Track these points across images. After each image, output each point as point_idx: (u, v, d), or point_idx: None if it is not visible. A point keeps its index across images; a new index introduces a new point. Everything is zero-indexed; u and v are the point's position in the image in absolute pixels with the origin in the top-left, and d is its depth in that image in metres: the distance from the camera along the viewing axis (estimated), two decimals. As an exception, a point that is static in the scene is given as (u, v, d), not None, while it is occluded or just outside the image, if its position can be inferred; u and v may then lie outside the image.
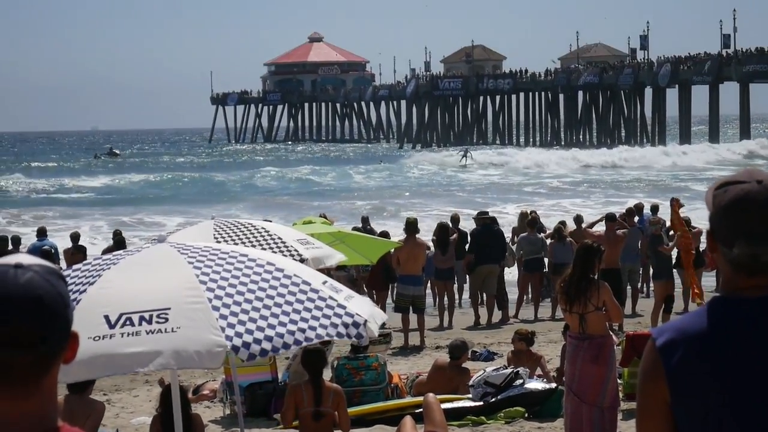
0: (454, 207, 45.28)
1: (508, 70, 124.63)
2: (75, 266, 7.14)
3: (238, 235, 11.48)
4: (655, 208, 23.78)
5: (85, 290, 6.56)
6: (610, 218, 20.58)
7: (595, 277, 10.37)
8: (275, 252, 10.80)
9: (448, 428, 11.21)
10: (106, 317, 6.35)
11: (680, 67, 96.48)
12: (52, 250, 21.11)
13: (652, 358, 2.96)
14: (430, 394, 11.72)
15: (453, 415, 12.46)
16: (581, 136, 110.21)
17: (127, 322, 6.33)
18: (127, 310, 6.40)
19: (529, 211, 24.17)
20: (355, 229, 21.43)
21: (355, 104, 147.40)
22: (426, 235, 22.18)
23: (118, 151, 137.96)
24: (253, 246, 10.98)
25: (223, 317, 6.40)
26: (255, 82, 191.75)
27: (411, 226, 19.51)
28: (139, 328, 6.31)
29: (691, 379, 2.91)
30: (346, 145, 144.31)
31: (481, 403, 12.95)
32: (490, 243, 21.10)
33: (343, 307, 6.80)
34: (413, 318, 19.16)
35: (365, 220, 24.35)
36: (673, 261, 20.00)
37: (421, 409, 11.60)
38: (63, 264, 20.53)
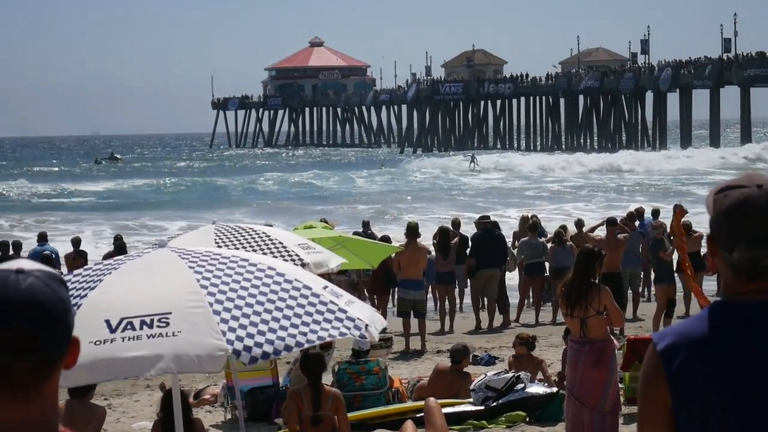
0: (455, 211, 45.33)
1: (509, 74, 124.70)
2: (76, 271, 7.14)
3: (239, 240, 11.48)
4: (656, 213, 23.77)
5: (86, 295, 6.57)
6: (611, 222, 20.57)
7: (596, 281, 10.37)
8: (276, 257, 10.81)
9: (449, 433, 11.22)
10: (107, 322, 6.35)
11: (681, 71, 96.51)
12: (53, 255, 21.12)
13: (653, 362, 2.96)
14: (431, 399, 11.72)
15: (454, 419, 12.46)
16: (582, 141, 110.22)
17: (128, 327, 6.33)
18: (128, 314, 6.41)
19: (529, 216, 24.17)
20: (355, 233, 21.43)
21: (356, 109, 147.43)
22: (427, 239, 22.17)
23: (119, 156, 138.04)
24: (254, 251, 10.99)
25: (224, 321, 6.40)
26: (256, 87, 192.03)
27: (412, 231, 19.51)
28: (140, 332, 6.31)
29: (692, 384, 2.91)
30: (346, 149, 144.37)
31: (482, 407, 12.94)
32: (491, 247, 21.10)
33: (344, 312, 6.81)
34: (414, 322, 19.15)
35: (366, 225, 24.36)
36: (675, 266, 19.99)
37: (422, 414, 11.61)
38: (64, 269, 20.54)
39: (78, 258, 20.99)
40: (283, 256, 11.09)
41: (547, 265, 21.79)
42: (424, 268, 19.77)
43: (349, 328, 6.72)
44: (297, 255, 11.37)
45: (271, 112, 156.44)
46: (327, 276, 11.95)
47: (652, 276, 21.40)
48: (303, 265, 10.67)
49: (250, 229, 12.03)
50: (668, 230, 19.78)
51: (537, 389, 13.22)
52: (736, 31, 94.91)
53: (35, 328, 2.26)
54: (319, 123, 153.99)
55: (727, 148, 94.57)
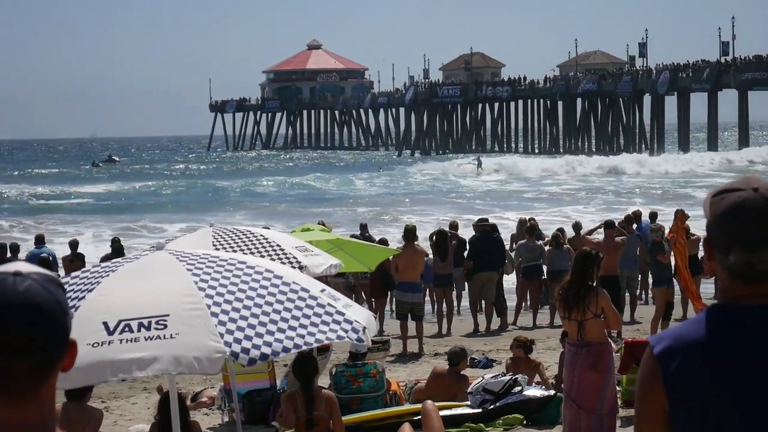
0: (454, 214, 45.34)
1: (506, 77, 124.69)
2: (74, 273, 7.15)
3: (237, 243, 11.48)
4: (653, 216, 23.79)
5: (83, 297, 6.57)
6: (608, 225, 20.58)
7: (594, 284, 10.38)
8: (274, 259, 10.81)
9: (446, 435, 11.22)
10: (105, 324, 6.36)
11: (679, 74, 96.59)
12: (50, 258, 21.10)
13: (650, 365, 2.97)
14: (429, 402, 11.73)
15: (451, 422, 12.46)
16: (580, 144, 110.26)
17: (126, 329, 6.34)
18: (125, 316, 6.41)
19: (527, 218, 24.18)
20: (353, 236, 21.43)
21: (354, 111, 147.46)
22: (425, 242, 22.17)
23: (117, 158, 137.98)
24: (252, 253, 10.99)
25: (222, 324, 6.41)
26: (254, 90, 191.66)
27: (410, 233, 19.53)
28: (137, 334, 6.32)
29: (688, 387, 2.91)
30: (344, 152, 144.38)
31: (480, 410, 12.95)
32: (488, 250, 21.11)
33: (342, 314, 6.82)
34: (412, 325, 19.15)
35: (364, 227, 24.36)
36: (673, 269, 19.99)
37: (420, 417, 11.61)
38: (62, 271, 20.53)
39: (75, 260, 20.98)
40: (280, 259, 11.10)
41: (544, 268, 21.80)
42: (422, 271, 19.78)
43: (346, 331, 6.73)
44: (294, 257, 11.37)
45: (269, 114, 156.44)
46: (324, 279, 11.95)
47: (650, 279, 21.40)
48: (300, 268, 10.67)
49: (247, 231, 12.03)
50: (667, 234, 19.80)
51: (534, 392, 13.23)
52: (734, 34, 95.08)
53: (33, 331, 2.26)
54: (317, 126, 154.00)
55: (730, 151, 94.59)
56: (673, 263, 19.45)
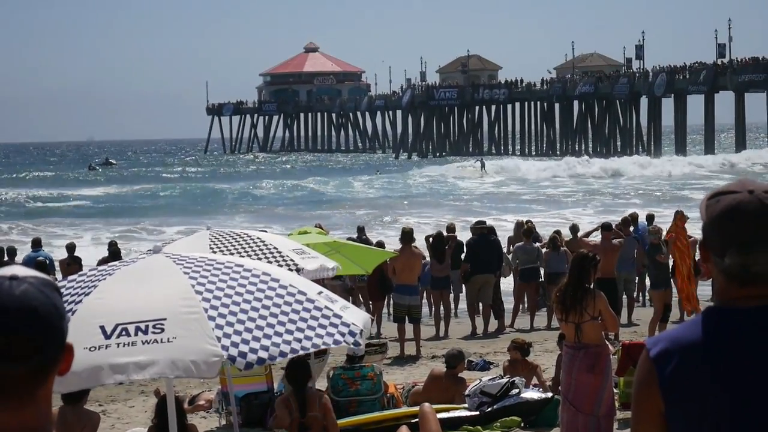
0: (452, 216, 45.35)
1: (503, 80, 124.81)
2: (71, 277, 7.14)
3: (234, 246, 11.48)
4: (650, 218, 23.81)
5: (80, 301, 6.57)
6: (605, 227, 20.59)
7: (591, 286, 10.38)
8: (271, 262, 10.81)
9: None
10: (102, 328, 6.35)
11: (676, 76, 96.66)
12: (47, 261, 21.08)
13: (647, 368, 2.97)
14: (426, 404, 11.73)
15: (449, 424, 12.46)
16: (577, 146, 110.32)
17: (123, 333, 6.33)
18: (122, 320, 6.41)
19: (524, 221, 24.18)
20: (349, 239, 21.43)
21: (351, 114, 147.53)
22: (420, 242, 22.17)
23: (114, 161, 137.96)
24: (249, 256, 10.99)
25: (219, 327, 6.41)
26: (251, 93, 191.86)
27: (407, 236, 19.53)
28: (134, 338, 6.31)
29: (685, 389, 2.92)
30: (341, 155, 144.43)
31: (477, 412, 12.94)
32: (486, 253, 21.11)
33: (339, 317, 6.82)
34: (409, 328, 19.16)
35: (361, 230, 24.35)
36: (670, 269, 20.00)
37: (417, 419, 11.62)
38: (59, 275, 20.52)
39: (72, 264, 20.97)
40: (278, 262, 11.10)
41: (541, 270, 21.80)
42: (419, 274, 19.79)
43: (343, 335, 6.72)
44: (292, 260, 11.37)
45: (266, 117, 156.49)
46: (321, 281, 11.95)
47: (647, 281, 21.40)
48: (298, 271, 10.68)
49: (244, 234, 12.03)
50: (664, 236, 19.82)
51: (532, 394, 13.23)
52: (730, 36, 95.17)
53: (29, 335, 2.26)
54: (314, 128, 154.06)
55: (730, 154, 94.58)
56: (670, 264, 19.45)
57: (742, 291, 2.93)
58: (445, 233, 22.00)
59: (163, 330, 6.33)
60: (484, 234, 21.47)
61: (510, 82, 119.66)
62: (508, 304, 22.29)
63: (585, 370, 10.19)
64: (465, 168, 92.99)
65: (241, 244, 11.53)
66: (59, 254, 23.32)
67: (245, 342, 6.37)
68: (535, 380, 14.18)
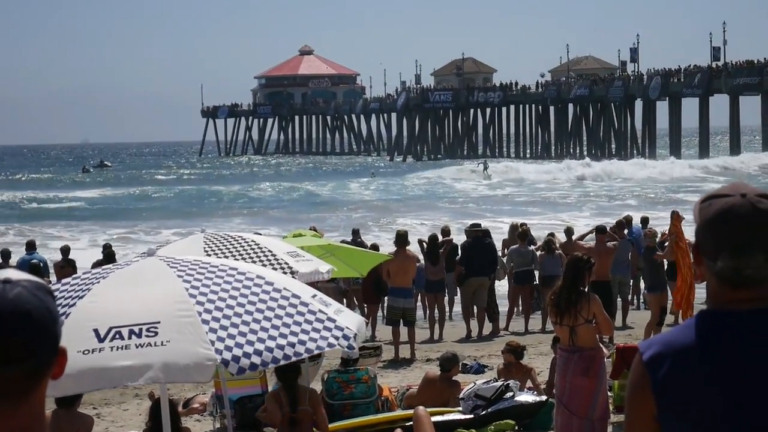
0: (448, 218, 45.37)
1: (498, 82, 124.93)
2: (64, 280, 7.14)
3: (228, 248, 11.47)
4: (645, 221, 23.82)
5: (74, 304, 6.56)
6: (600, 230, 20.60)
7: (586, 289, 10.38)
8: (265, 265, 10.81)
9: (438, 441, 11.22)
10: (96, 331, 6.34)
11: (670, 79, 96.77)
12: (41, 264, 21.06)
13: (639, 371, 2.98)
14: (421, 407, 11.73)
15: (443, 428, 12.45)
16: (572, 149, 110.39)
17: (117, 336, 6.32)
18: (116, 323, 6.40)
19: (519, 224, 24.19)
20: (343, 242, 21.43)
21: (346, 117, 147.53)
22: (415, 245, 22.17)
23: (109, 164, 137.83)
24: (243, 259, 10.98)
25: (213, 331, 6.40)
26: (245, 95, 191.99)
27: (401, 239, 19.54)
28: (128, 341, 6.30)
29: (677, 393, 2.92)
30: (336, 157, 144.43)
31: (472, 415, 12.94)
32: (480, 256, 21.10)
33: (333, 321, 6.81)
34: (404, 331, 19.16)
35: (356, 233, 24.35)
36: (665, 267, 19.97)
37: (412, 422, 11.61)
38: (53, 278, 20.49)
39: (66, 266, 20.93)
40: (272, 265, 11.09)
41: (536, 273, 21.81)
42: (414, 277, 19.79)
43: (337, 338, 6.72)
44: (286, 263, 11.37)
45: (261, 120, 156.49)
46: (315, 284, 11.95)
47: (642, 284, 21.40)
48: (292, 274, 10.68)
49: (239, 237, 12.02)
50: (659, 238, 19.83)
51: (526, 397, 13.23)
52: (725, 39, 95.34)
53: (22, 339, 2.25)
54: (309, 131, 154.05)
55: (727, 156, 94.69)
56: (667, 265, 19.44)
57: (735, 294, 2.93)
58: (440, 236, 22.02)
59: (156, 333, 6.32)
60: (478, 237, 21.47)
61: (505, 84, 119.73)
62: (503, 307, 22.29)
63: (579, 374, 10.19)
64: (464, 170, 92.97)
65: (236, 247, 11.52)
66: (56, 256, 23.30)
67: (239, 346, 6.36)
68: (529, 383, 14.18)
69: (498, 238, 24.11)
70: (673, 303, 20.64)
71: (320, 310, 6.83)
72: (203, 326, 6.40)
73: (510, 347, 14.65)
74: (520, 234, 22.27)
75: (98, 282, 6.78)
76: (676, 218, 19.32)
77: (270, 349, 6.43)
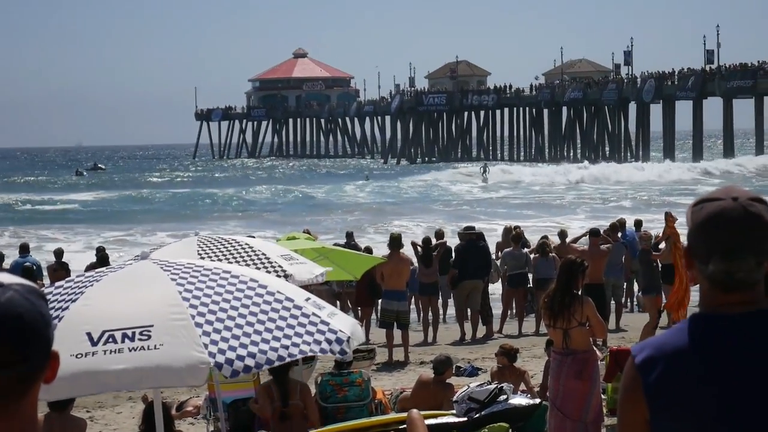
0: (443, 221, 45.38)
1: (492, 85, 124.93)
2: (58, 283, 7.13)
3: (222, 252, 11.46)
4: (638, 224, 23.84)
5: (67, 307, 6.55)
6: (593, 233, 20.61)
7: (579, 292, 10.39)
8: (259, 268, 10.79)
9: (432, 444, 11.22)
10: (89, 334, 6.34)
11: (664, 82, 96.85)
12: (34, 267, 21.03)
13: (632, 375, 2.98)
14: (414, 410, 11.73)
15: (437, 430, 12.45)
16: (566, 152, 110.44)
17: (110, 340, 6.32)
18: (109, 327, 6.39)
19: (513, 226, 24.20)
20: (336, 245, 21.42)
21: (340, 120, 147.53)
22: (409, 248, 22.18)
23: (102, 166, 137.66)
24: (237, 262, 10.97)
25: (206, 334, 6.40)
26: (239, 98, 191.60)
27: (395, 242, 19.54)
28: (121, 345, 6.30)
29: (669, 396, 2.92)
30: (330, 160, 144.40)
31: (465, 418, 12.94)
32: (474, 258, 21.10)
33: (326, 324, 6.81)
34: (397, 333, 19.16)
35: (349, 236, 24.34)
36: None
37: (405, 425, 11.61)
38: (47, 281, 20.47)
39: (60, 269, 20.91)
40: (266, 268, 11.08)
41: (530, 276, 21.81)
42: (407, 279, 19.78)
43: (330, 342, 6.72)
44: (280, 266, 11.36)
45: (255, 123, 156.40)
46: (308, 287, 11.95)
47: (635, 287, 21.42)
48: (286, 277, 10.67)
49: (232, 240, 12.01)
50: (654, 240, 19.84)
51: (520, 400, 13.23)
52: (719, 42, 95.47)
53: (14, 343, 2.25)
54: (303, 134, 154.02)
55: (725, 159, 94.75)
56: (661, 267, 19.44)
57: (727, 297, 2.94)
58: (433, 239, 22.01)
59: (150, 337, 6.32)
60: (472, 240, 21.47)
61: (499, 87, 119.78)
62: (497, 309, 22.30)
63: (573, 376, 10.20)
64: (460, 173, 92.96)
65: (229, 250, 11.50)
66: (50, 259, 23.27)
67: (232, 349, 6.36)
68: (523, 386, 14.18)
69: (492, 241, 24.12)
70: (666, 303, 20.68)
71: (314, 314, 6.83)
72: (197, 329, 6.39)
73: (503, 350, 14.65)
74: (513, 237, 22.28)
75: (92, 285, 6.78)
76: (670, 219, 19.34)
77: (264, 352, 6.43)
